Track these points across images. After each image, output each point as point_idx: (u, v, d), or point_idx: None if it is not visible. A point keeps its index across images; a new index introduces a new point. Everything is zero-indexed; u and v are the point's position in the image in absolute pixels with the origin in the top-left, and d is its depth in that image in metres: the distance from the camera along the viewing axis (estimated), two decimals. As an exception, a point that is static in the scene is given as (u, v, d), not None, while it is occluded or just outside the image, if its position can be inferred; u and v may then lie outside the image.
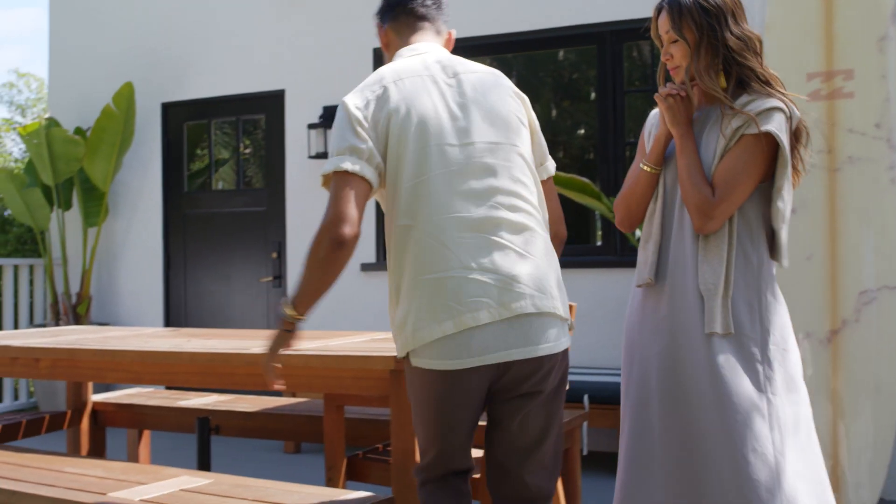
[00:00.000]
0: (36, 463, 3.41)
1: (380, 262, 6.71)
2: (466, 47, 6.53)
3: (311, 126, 6.82)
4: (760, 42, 2.67)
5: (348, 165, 2.36)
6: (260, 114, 7.44)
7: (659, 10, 2.71)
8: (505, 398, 2.41)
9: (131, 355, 3.34)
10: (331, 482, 3.44)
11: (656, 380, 2.66)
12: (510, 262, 2.34)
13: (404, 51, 2.61)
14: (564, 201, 5.65)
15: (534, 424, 2.43)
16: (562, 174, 4.73)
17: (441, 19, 2.71)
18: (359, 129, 2.40)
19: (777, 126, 2.54)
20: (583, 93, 6.70)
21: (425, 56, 2.56)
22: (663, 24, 2.68)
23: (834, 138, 4.34)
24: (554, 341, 2.38)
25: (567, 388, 2.52)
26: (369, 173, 2.38)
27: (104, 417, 4.66)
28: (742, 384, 2.53)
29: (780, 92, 2.62)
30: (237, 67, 7.37)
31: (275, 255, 7.18)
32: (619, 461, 2.77)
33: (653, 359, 2.68)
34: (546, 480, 2.51)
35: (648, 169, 2.75)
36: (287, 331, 2.54)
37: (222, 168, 7.95)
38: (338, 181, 2.37)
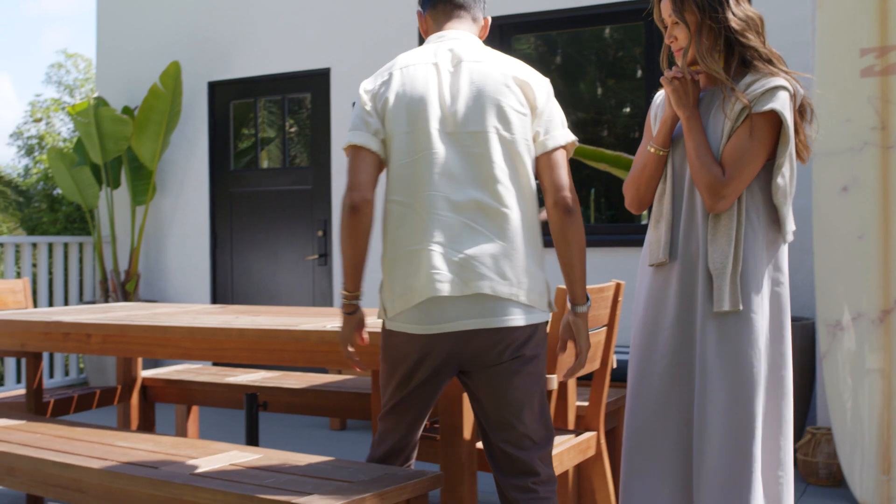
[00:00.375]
0: (88, 437, 3.45)
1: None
2: (511, 24, 6.49)
3: (354, 104, 6.80)
4: (762, 21, 2.67)
5: (356, 139, 2.59)
6: (305, 92, 7.46)
7: None
8: (472, 370, 2.60)
9: (181, 331, 3.37)
10: (378, 458, 3.45)
11: (663, 356, 2.70)
12: (477, 245, 2.51)
13: (432, 37, 2.75)
14: (611, 179, 5.60)
15: (507, 397, 2.58)
16: (607, 152, 4.68)
17: (478, 7, 2.82)
18: (367, 109, 2.62)
19: (781, 104, 2.55)
20: (628, 71, 6.64)
21: (441, 44, 2.69)
22: (665, 7, 2.69)
23: (888, 115, 4.26)
24: (514, 316, 2.52)
25: (539, 362, 2.60)
26: (375, 145, 2.59)
27: (153, 393, 4.71)
28: (749, 360, 2.58)
29: (783, 70, 2.62)
30: (283, 46, 7.38)
31: (320, 233, 7.21)
32: (623, 440, 2.80)
33: (661, 335, 2.70)
34: (534, 454, 2.63)
35: (655, 151, 2.77)
36: (347, 313, 2.71)
37: (268, 146, 7.99)
38: (350, 154, 2.62)
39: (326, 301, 7.17)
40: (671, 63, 2.86)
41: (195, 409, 4.82)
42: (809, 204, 4.59)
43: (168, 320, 3.58)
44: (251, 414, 4.02)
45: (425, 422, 2.78)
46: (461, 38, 2.71)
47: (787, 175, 2.60)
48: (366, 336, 2.76)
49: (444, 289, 2.49)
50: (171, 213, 7.86)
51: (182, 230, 7.82)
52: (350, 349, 2.76)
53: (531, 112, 2.60)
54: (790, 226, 2.66)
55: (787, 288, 2.72)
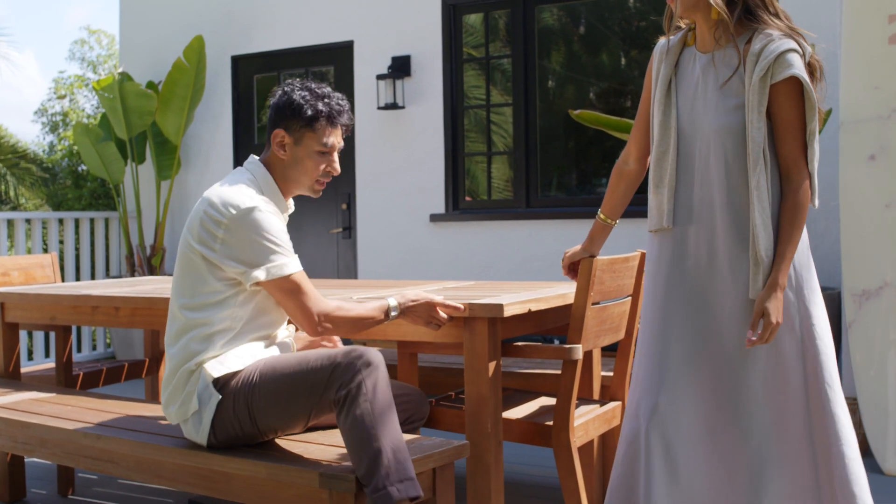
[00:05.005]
0: (118, 409, 3.49)
1: (448, 213, 6.71)
2: (535, -5, 6.45)
3: (379, 77, 6.81)
4: None
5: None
6: (329, 65, 7.45)
7: None
8: None
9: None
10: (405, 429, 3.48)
11: (681, 333, 2.63)
12: None
13: None
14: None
15: None
16: (630, 121, 4.67)
17: (271, 125, 2.94)
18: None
19: (799, 68, 2.49)
20: (651, 42, 6.58)
21: None
22: None
23: (916, 82, 4.21)
24: None
25: None
26: None
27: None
28: (780, 336, 2.55)
29: (787, 26, 2.55)
30: (306, 19, 7.38)
31: (344, 206, 7.22)
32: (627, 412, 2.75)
33: (676, 312, 2.64)
34: None
35: (603, 220, 2.96)
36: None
37: (291, 120, 7.99)
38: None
39: (350, 273, 7.19)
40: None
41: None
42: (836, 172, 4.55)
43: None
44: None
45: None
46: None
47: (816, 140, 2.57)
48: None
49: None
50: (196, 187, 7.89)
51: (207, 204, 7.83)
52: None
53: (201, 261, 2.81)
54: (816, 191, 2.62)
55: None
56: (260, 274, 2.73)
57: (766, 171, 2.53)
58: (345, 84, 7.25)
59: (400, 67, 6.85)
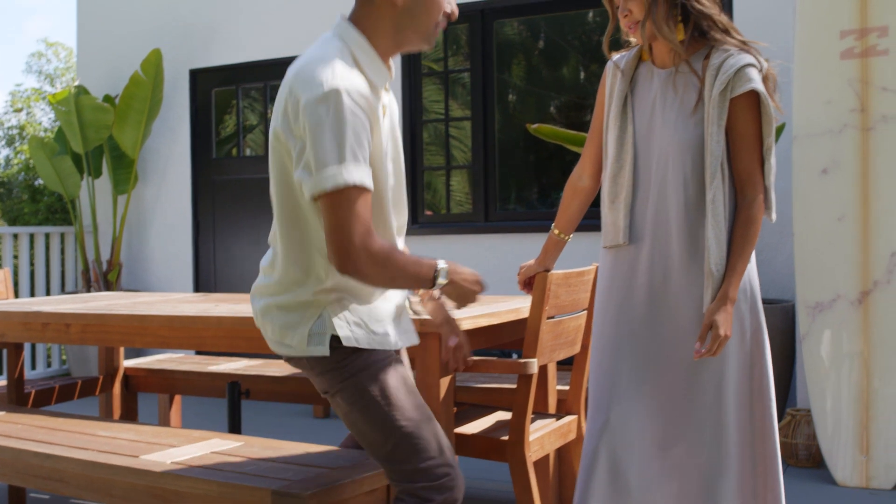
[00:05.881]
0: (69, 427, 3.44)
1: (408, 227, 6.70)
2: (495, 9, 6.47)
3: (337, 91, 6.79)
4: None
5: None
6: (287, 79, 7.41)
7: None
8: None
9: (159, 320, 3.36)
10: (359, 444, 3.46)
11: (632, 349, 2.64)
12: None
13: None
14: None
15: None
16: (567, 131, 4.72)
17: None
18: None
19: (758, 82, 2.52)
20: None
21: None
22: None
23: (867, 97, 4.27)
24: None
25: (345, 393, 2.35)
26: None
27: (135, 382, 4.70)
28: (731, 350, 2.57)
29: (740, 41, 2.58)
30: (265, 33, 7.35)
31: (303, 220, 7.18)
32: (587, 430, 2.74)
33: (629, 328, 2.65)
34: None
35: (558, 234, 2.97)
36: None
37: (250, 134, 7.96)
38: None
39: (310, 288, 7.15)
40: (615, 47, 2.81)
41: (178, 399, 4.81)
42: (790, 186, 4.60)
43: (147, 309, 3.57)
44: (233, 402, 4.01)
45: None
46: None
47: (773, 155, 2.59)
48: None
49: None
50: (154, 201, 7.83)
51: (164, 219, 7.79)
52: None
53: (296, 140, 2.22)
54: (773, 205, 2.65)
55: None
56: (309, 183, 2.18)
57: (724, 186, 2.55)
58: (304, 98, 7.21)
59: (359, 81, 6.82)
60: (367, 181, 2.17)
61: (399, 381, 2.35)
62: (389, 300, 2.44)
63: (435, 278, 2.29)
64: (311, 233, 2.30)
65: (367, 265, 2.16)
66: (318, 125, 2.13)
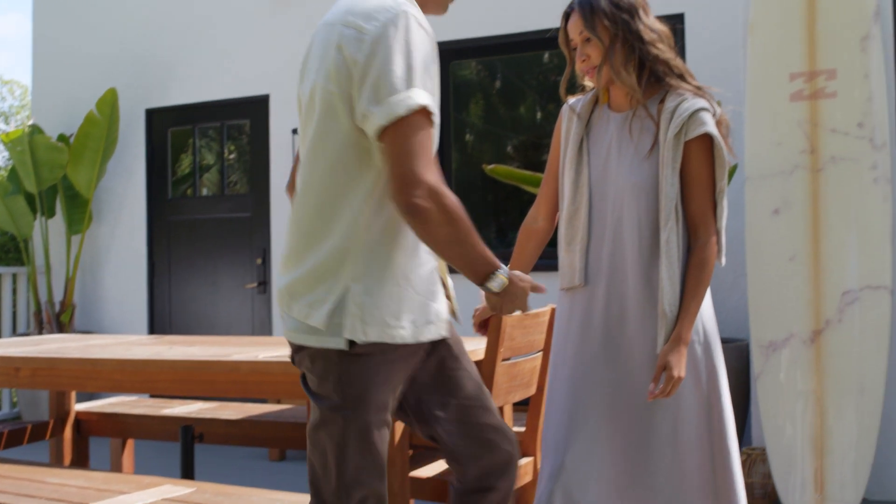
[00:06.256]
0: (17, 473, 3.37)
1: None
2: (452, 50, 6.52)
3: (295, 131, 6.79)
4: (671, 36, 2.65)
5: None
6: (244, 119, 7.41)
7: (568, 13, 2.66)
8: None
9: (111, 363, 3.31)
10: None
11: (588, 390, 2.64)
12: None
13: None
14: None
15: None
16: (523, 172, 4.74)
17: None
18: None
19: (712, 126, 2.56)
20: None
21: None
22: (575, 25, 2.62)
23: (817, 138, 4.34)
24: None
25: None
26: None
27: (87, 427, 4.62)
28: (687, 391, 2.57)
29: (695, 86, 2.62)
30: (221, 73, 7.34)
31: (259, 260, 7.15)
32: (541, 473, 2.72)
33: (585, 371, 2.65)
34: None
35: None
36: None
37: (207, 174, 7.93)
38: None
39: (265, 330, 7.10)
40: (571, 90, 2.84)
41: (130, 443, 4.73)
42: (743, 226, 4.65)
43: (99, 352, 3.52)
44: (186, 446, 3.96)
45: None
46: None
47: (725, 197, 2.62)
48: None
49: None
50: (108, 241, 7.75)
51: (119, 259, 7.71)
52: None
53: (349, 75, 2.08)
54: (724, 249, 2.67)
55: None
56: (383, 111, 2.01)
57: (678, 228, 2.57)
58: (261, 138, 7.21)
59: (316, 121, 6.82)
60: (436, 109, 2.06)
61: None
62: (425, 265, 2.21)
63: (490, 277, 2.16)
64: (355, 188, 2.10)
65: (435, 206, 1.99)
66: (388, 49, 2.01)
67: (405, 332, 2.15)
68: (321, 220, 2.14)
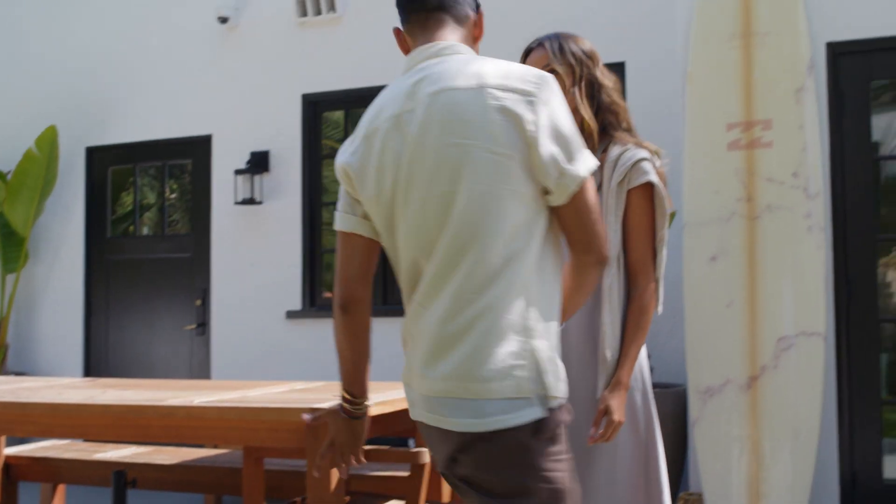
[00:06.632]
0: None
1: (305, 309, 6.64)
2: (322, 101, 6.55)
3: (237, 172, 6.75)
4: (620, 89, 2.73)
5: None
6: (186, 159, 7.36)
7: (529, 50, 2.71)
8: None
9: (42, 408, 3.24)
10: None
11: None
12: None
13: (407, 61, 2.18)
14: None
15: None
16: None
17: (463, 3, 2.17)
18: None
19: (654, 175, 2.60)
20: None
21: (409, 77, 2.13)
22: (540, 59, 2.65)
23: (753, 187, 4.42)
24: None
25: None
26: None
27: (17, 471, 4.49)
28: (625, 437, 2.58)
29: (637, 141, 2.67)
30: (164, 112, 7.29)
31: (199, 302, 7.06)
32: None
33: None
34: None
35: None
36: (354, 417, 2.41)
37: (147, 213, 7.84)
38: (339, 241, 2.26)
39: (204, 372, 7.00)
40: None
41: (62, 488, 4.61)
42: (681, 272, 4.70)
43: (30, 396, 3.44)
44: (119, 492, 3.87)
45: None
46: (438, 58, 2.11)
47: (665, 247, 2.65)
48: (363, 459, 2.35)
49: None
50: (45, 281, 7.61)
51: (55, 299, 7.57)
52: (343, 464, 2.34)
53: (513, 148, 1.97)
54: (661, 298, 2.70)
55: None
56: (580, 168, 1.98)
57: (619, 274, 2.60)
58: (202, 178, 7.16)
59: (258, 163, 6.81)
60: None
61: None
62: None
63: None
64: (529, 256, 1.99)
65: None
66: (557, 114, 1.98)
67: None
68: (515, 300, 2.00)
